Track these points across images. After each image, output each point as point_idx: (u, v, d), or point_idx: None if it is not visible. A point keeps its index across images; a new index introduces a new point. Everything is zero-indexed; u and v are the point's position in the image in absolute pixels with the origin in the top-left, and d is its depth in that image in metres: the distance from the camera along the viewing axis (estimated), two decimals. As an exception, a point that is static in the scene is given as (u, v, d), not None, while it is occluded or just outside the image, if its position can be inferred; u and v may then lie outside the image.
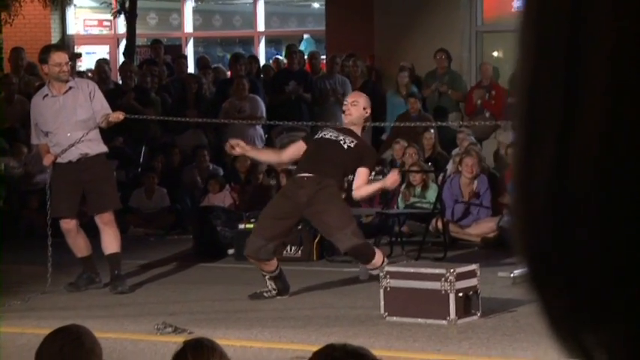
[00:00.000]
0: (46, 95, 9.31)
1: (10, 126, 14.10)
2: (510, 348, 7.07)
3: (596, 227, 0.69)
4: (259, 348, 7.30)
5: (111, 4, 18.53)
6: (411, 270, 8.10)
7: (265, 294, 8.82)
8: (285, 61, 15.95)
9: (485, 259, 9.95)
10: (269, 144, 14.15)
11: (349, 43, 15.39)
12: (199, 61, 16.88)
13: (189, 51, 19.16)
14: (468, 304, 7.84)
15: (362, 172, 8.70)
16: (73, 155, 9.24)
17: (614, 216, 0.69)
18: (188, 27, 19.53)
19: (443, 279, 7.81)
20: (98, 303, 8.92)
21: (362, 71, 14.82)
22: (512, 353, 6.95)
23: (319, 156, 8.70)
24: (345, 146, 8.73)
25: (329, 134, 8.90)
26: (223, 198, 12.54)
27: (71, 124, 9.21)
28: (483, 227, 11.45)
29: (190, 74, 15.95)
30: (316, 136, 9.01)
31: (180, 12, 19.60)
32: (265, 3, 18.98)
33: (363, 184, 8.73)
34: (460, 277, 7.85)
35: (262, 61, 17.32)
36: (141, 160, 14.31)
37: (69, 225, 9.34)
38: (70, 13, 19.64)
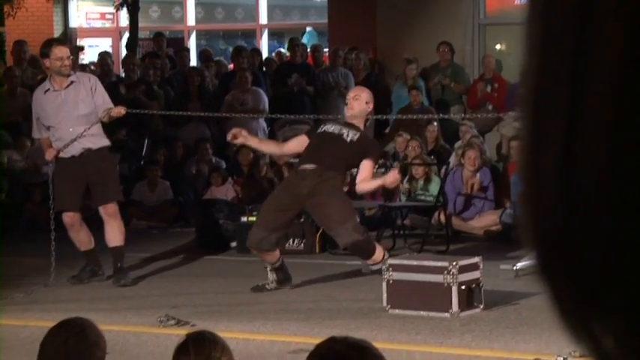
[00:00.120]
0: (48, 90, 9.31)
1: (13, 119, 14.11)
2: (513, 341, 7.08)
3: (606, 216, 0.70)
4: (262, 340, 7.31)
5: (113, -4, 18.52)
6: (414, 263, 8.10)
7: (267, 286, 8.83)
8: (288, 53, 15.94)
9: (488, 251, 9.95)
10: (271, 137, 14.15)
11: (352, 36, 15.38)
12: (202, 54, 16.88)
13: (192, 44, 19.15)
14: (470, 296, 7.84)
15: (366, 165, 8.69)
16: (75, 150, 9.25)
17: (623, 205, 0.69)
18: (190, 20, 19.52)
19: (445, 272, 7.81)
20: (101, 296, 8.94)
21: (364, 64, 14.81)
22: (514, 346, 6.95)
23: (322, 149, 8.70)
24: (348, 140, 8.72)
25: (332, 128, 8.89)
26: (226, 191, 12.54)
27: (73, 119, 9.21)
28: (486, 220, 11.45)
29: (193, 67, 15.95)
30: (319, 130, 9.00)
31: (182, 5, 19.59)
32: (268, -5, 18.97)
33: (367, 177, 8.72)
34: (463, 269, 7.85)
35: (265, 54, 17.31)
36: (143, 153, 14.32)
37: (72, 219, 9.34)
38: (73, 5, 19.63)
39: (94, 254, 9.58)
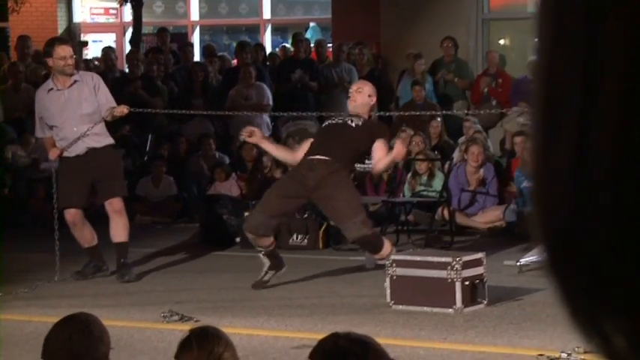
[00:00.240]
0: (51, 89, 9.30)
1: (18, 115, 14.11)
2: (517, 336, 7.08)
3: (618, 213, 0.70)
4: (265, 336, 7.31)
5: (117, -8, 18.52)
6: (417, 258, 8.10)
7: (265, 278, 8.80)
8: (292, 48, 15.93)
9: (492, 247, 9.95)
10: (275, 132, 14.15)
11: (355, 31, 15.37)
12: (205, 50, 16.87)
13: (196, 39, 19.15)
14: (474, 292, 7.84)
15: (378, 147, 8.62)
16: (80, 149, 9.25)
17: (635, 202, 0.69)
18: (194, 15, 19.51)
19: (449, 267, 7.81)
20: (105, 291, 8.95)
21: (368, 59, 14.80)
22: (518, 342, 6.95)
23: (329, 139, 8.68)
24: (354, 125, 8.71)
25: (336, 120, 8.91)
26: (230, 187, 12.54)
27: (77, 118, 9.21)
28: (490, 215, 11.44)
29: (197, 62, 15.94)
30: (323, 125, 9.00)
31: (186, 0, 19.58)
32: (271, -9, 18.96)
33: (382, 156, 8.63)
34: (466, 265, 7.85)
35: (268, 49, 17.30)
36: (147, 148, 14.32)
37: (73, 218, 9.34)
38: (77, 1, 19.63)
39: (97, 250, 9.59)
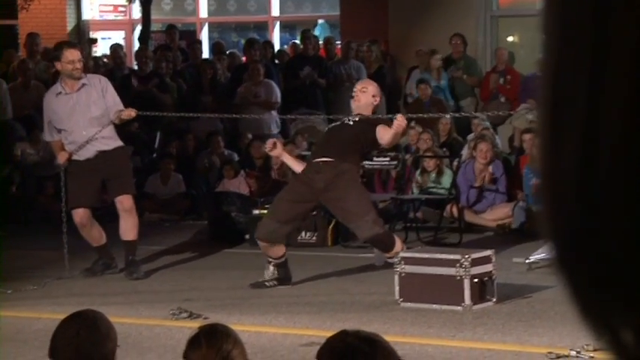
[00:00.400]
0: (60, 93, 9.33)
1: (27, 112, 14.12)
2: (526, 334, 7.06)
3: (626, 209, 0.69)
4: (274, 333, 7.31)
5: (126, -11, 18.54)
6: (426, 256, 8.09)
7: (267, 284, 8.77)
8: (302, 45, 15.93)
9: (501, 244, 9.94)
10: (284, 129, 14.15)
11: (364, 28, 15.36)
12: (214, 47, 16.87)
13: (204, 36, 19.16)
14: (483, 289, 7.83)
15: (380, 128, 8.52)
16: (89, 153, 9.29)
17: None
18: (203, 12, 19.52)
19: (458, 265, 7.80)
20: (114, 288, 8.96)
21: (376, 56, 14.79)
22: (527, 339, 6.94)
23: (331, 139, 8.72)
24: (351, 122, 8.73)
25: (335, 122, 8.98)
26: (238, 184, 12.55)
27: (86, 122, 9.24)
28: (498, 213, 11.43)
29: (205, 60, 15.95)
30: (326, 129, 9.06)
31: (195, -3, 19.59)
32: (280, -12, 18.95)
33: (385, 132, 8.52)
34: (475, 262, 7.84)
35: (277, 47, 17.30)
36: (156, 145, 14.34)
37: (81, 219, 9.35)
38: (86, -2, 19.65)
39: (106, 248, 9.61)
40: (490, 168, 11.62)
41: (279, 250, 8.76)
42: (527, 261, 8.99)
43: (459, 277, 7.79)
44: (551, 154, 0.73)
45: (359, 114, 8.77)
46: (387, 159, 11.33)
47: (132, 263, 9.45)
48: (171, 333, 7.28)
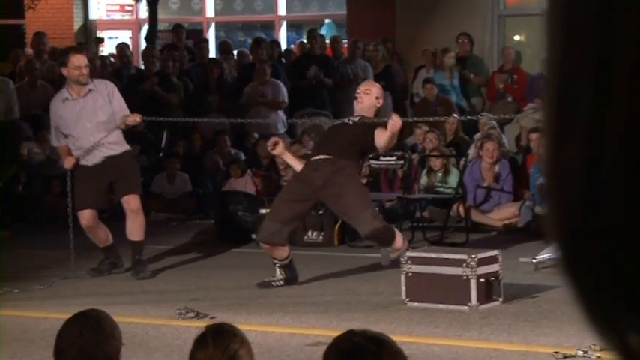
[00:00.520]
0: (66, 98, 9.35)
1: (34, 112, 14.14)
2: (532, 334, 7.06)
3: (631, 210, 0.69)
4: (280, 333, 7.31)
5: (133, -11, 18.56)
6: (433, 255, 8.09)
7: (273, 283, 8.78)
8: (308, 45, 15.93)
9: (507, 244, 9.93)
10: (291, 129, 14.15)
11: (370, 28, 15.36)
12: (221, 46, 16.88)
13: (211, 35, 19.17)
14: (489, 289, 7.82)
15: (379, 132, 8.52)
16: (97, 159, 9.31)
17: None
18: (209, 11, 19.53)
19: (464, 264, 7.79)
20: (120, 288, 8.97)
21: (383, 56, 14.79)
22: (534, 339, 6.93)
23: (330, 138, 8.77)
24: (351, 122, 8.75)
25: (336, 122, 9.02)
26: (245, 183, 12.55)
27: (93, 127, 9.26)
28: (505, 212, 11.42)
29: (212, 59, 15.96)
30: (327, 129, 9.10)
31: (201, -3, 19.60)
32: (287, -13, 18.96)
33: (381, 136, 8.53)
34: (482, 262, 7.83)
35: (283, 46, 17.30)
36: (162, 145, 14.35)
37: (88, 221, 9.36)
38: (92, -2, 19.67)
39: (112, 248, 9.63)
40: (497, 168, 11.61)
41: (283, 251, 8.77)
42: (533, 261, 8.98)
43: (465, 277, 7.78)
44: (556, 154, 0.73)
45: (361, 115, 8.78)
46: (394, 158, 11.33)
47: (138, 263, 9.47)
48: (178, 332, 7.28)
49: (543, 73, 0.76)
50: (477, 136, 12.60)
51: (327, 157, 8.57)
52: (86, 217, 9.35)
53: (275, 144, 8.88)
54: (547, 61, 0.75)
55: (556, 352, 6.42)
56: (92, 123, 9.26)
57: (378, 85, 9.29)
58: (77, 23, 19.19)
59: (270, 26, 19.22)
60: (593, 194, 0.71)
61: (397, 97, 14.53)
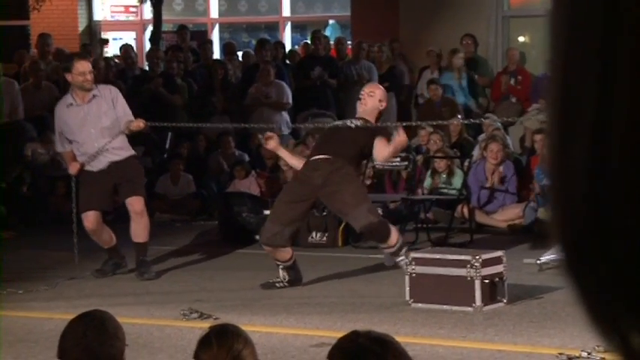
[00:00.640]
0: (71, 104, 9.36)
1: (38, 113, 14.15)
2: (537, 335, 7.05)
3: (635, 212, 0.69)
4: (284, 334, 7.31)
5: (137, -10, 18.56)
6: (437, 256, 8.08)
7: (277, 284, 8.78)
8: (312, 46, 15.94)
9: (511, 245, 9.93)
10: (295, 130, 14.15)
11: (374, 29, 15.36)
12: (225, 47, 16.89)
13: (215, 36, 19.18)
14: (493, 290, 7.81)
15: (378, 142, 8.55)
16: (101, 164, 9.34)
17: None
18: (214, 12, 19.54)
19: (468, 265, 7.79)
20: (125, 289, 8.97)
21: (387, 57, 14.79)
22: (538, 340, 6.92)
23: (331, 139, 8.78)
24: (353, 125, 8.77)
25: (338, 122, 9.03)
26: (249, 184, 12.56)
27: (97, 133, 9.28)
28: (509, 213, 11.41)
29: (216, 60, 15.96)
30: (326, 129, 9.11)
31: (205, -2, 19.61)
32: (291, -11, 18.96)
33: (383, 147, 8.59)
34: (486, 263, 7.83)
35: (288, 47, 17.30)
36: (167, 146, 14.36)
37: (92, 224, 9.37)
38: (97, -1, 19.69)
39: (116, 250, 9.65)
40: (501, 168, 11.60)
41: (285, 253, 8.78)
42: (538, 262, 8.98)
43: (469, 278, 7.78)
44: (559, 155, 0.73)
45: (363, 118, 8.78)
46: (398, 160, 11.33)
47: (143, 264, 9.47)
48: (182, 333, 7.28)
49: (547, 73, 0.76)
50: (482, 137, 12.59)
51: (326, 156, 8.58)
52: (90, 219, 9.36)
53: (269, 138, 8.91)
54: (550, 61, 0.75)
55: (560, 354, 6.42)
56: (96, 128, 9.28)
57: (382, 87, 9.30)
58: (81, 24, 19.21)
59: (274, 27, 19.22)
60: (596, 194, 0.71)
61: (402, 98, 14.54)
